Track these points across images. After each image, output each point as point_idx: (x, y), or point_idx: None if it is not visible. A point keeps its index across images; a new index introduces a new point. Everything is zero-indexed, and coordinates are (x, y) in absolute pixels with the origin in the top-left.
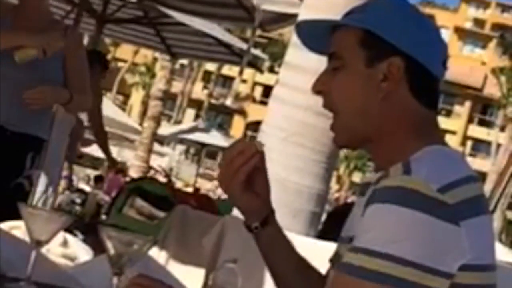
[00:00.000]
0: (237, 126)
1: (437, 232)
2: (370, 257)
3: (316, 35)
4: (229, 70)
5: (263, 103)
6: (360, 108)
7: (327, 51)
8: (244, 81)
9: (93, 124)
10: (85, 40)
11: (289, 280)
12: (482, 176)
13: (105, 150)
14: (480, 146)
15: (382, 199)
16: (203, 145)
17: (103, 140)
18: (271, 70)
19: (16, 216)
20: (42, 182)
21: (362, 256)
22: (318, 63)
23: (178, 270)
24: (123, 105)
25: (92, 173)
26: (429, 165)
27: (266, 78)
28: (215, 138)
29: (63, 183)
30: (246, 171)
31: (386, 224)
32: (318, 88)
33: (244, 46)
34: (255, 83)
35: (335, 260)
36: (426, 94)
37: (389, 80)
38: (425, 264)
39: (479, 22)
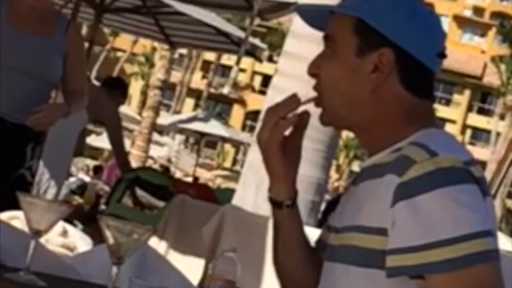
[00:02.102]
0: (237, 116)
1: (482, 199)
2: (463, 243)
3: (317, 13)
4: (228, 59)
5: (263, 92)
6: (348, 97)
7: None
8: (243, 71)
9: (117, 156)
10: (84, 30)
11: (294, 263)
12: (481, 165)
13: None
14: (480, 135)
15: (429, 187)
16: (202, 134)
17: (125, 167)
18: (270, 59)
19: (18, 207)
20: (45, 173)
21: (459, 245)
22: (317, 52)
23: (178, 259)
24: None
25: (91, 163)
26: (445, 143)
27: (265, 67)
28: (214, 127)
29: None
30: (286, 127)
31: (451, 207)
32: (313, 71)
33: (242, 35)
34: (254, 73)
35: (330, 250)
36: (418, 85)
37: (379, 71)
38: (492, 229)
39: (478, 10)
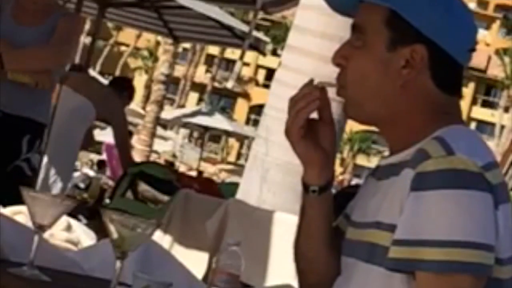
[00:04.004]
0: (241, 109)
1: (491, 209)
2: (454, 248)
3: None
4: (232, 53)
5: (266, 86)
6: (375, 91)
7: (351, 14)
8: (247, 64)
9: (122, 154)
10: (87, 25)
11: (315, 253)
12: None
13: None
14: (484, 128)
15: (437, 185)
16: (206, 128)
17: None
18: (274, 53)
19: (16, 198)
20: (51, 168)
21: (449, 250)
22: (320, 45)
23: (182, 253)
24: None
25: (95, 157)
26: (466, 143)
27: (269, 61)
28: (218, 121)
29: None
30: (306, 115)
31: (452, 211)
32: (337, 60)
33: (246, 29)
34: (258, 66)
35: (348, 245)
36: (449, 81)
37: (410, 67)
38: (491, 243)
39: (482, 3)
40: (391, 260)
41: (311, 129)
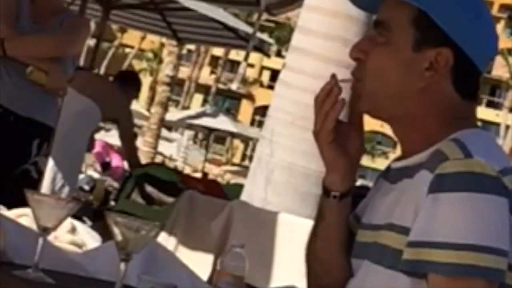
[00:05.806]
0: (245, 111)
1: (506, 214)
2: (468, 252)
3: None
4: (236, 55)
5: (271, 87)
6: (395, 89)
7: (372, 10)
8: (251, 66)
9: (127, 152)
10: (92, 27)
11: (331, 255)
12: None
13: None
14: (489, 128)
15: (454, 187)
16: (211, 130)
17: (135, 165)
18: (279, 54)
19: (23, 202)
20: (58, 172)
21: (463, 253)
22: (324, 47)
23: (187, 255)
24: None
25: None
26: (484, 146)
27: (274, 62)
28: (223, 123)
29: None
30: (334, 116)
31: (468, 214)
32: (356, 54)
33: (250, 30)
34: (263, 68)
35: (359, 247)
36: (468, 86)
37: (434, 70)
38: (505, 249)
39: (487, 3)
40: (405, 262)
41: (339, 132)
